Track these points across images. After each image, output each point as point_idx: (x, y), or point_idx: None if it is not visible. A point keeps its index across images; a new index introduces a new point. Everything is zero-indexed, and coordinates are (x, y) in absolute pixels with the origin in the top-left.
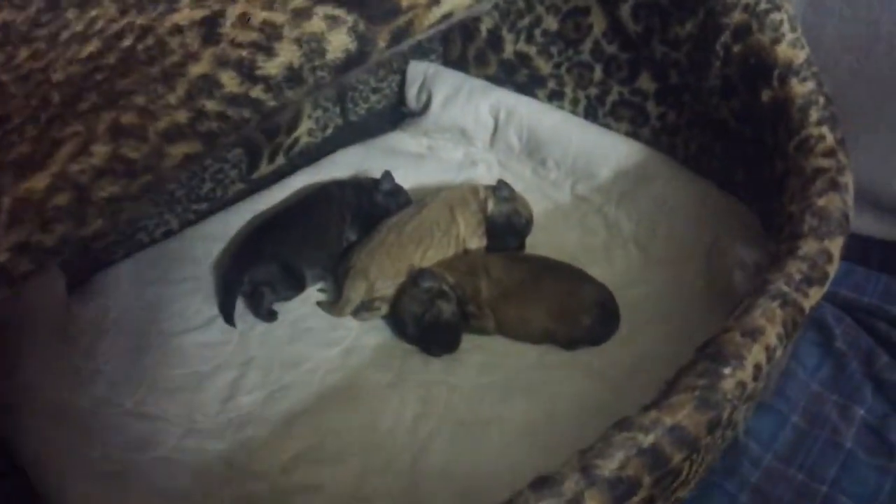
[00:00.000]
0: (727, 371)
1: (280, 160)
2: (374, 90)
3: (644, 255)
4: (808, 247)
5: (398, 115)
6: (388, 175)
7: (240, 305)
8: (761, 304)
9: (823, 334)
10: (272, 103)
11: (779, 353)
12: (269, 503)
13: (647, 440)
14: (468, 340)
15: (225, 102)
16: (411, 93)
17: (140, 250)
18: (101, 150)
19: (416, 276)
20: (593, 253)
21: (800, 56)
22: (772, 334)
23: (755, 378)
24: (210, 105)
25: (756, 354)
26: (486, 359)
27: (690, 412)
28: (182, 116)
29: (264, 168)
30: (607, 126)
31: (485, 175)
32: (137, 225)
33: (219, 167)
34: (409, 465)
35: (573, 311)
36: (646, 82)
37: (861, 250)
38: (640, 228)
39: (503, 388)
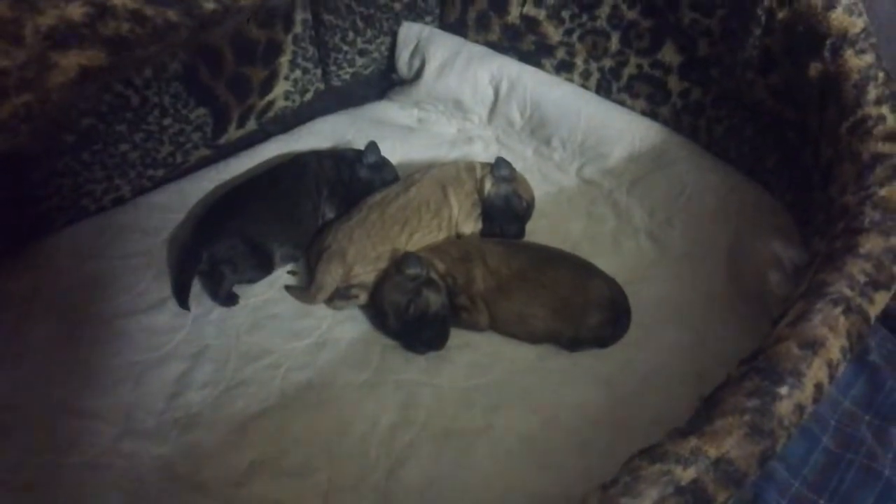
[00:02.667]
0: (783, 391)
1: (251, 125)
2: (361, 52)
3: (658, 249)
4: (872, 244)
5: (387, 82)
6: (373, 146)
7: (196, 286)
8: (821, 310)
9: None
10: (210, 5)
11: (841, 369)
12: None
13: (687, 475)
14: (456, 336)
15: None
16: (402, 57)
17: (84, 219)
18: None
19: (400, 262)
20: (600, 243)
21: (857, 24)
22: (835, 347)
23: (815, 401)
24: None
25: (817, 371)
26: (476, 358)
27: (739, 441)
28: (76, 12)
29: (232, 133)
30: (622, 103)
31: (481, 153)
32: (82, 189)
33: (179, 128)
34: (383, 480)
35: (579, 307)
36: (669, 54)
37: None
38: (654, 219)
39: (495, 394)
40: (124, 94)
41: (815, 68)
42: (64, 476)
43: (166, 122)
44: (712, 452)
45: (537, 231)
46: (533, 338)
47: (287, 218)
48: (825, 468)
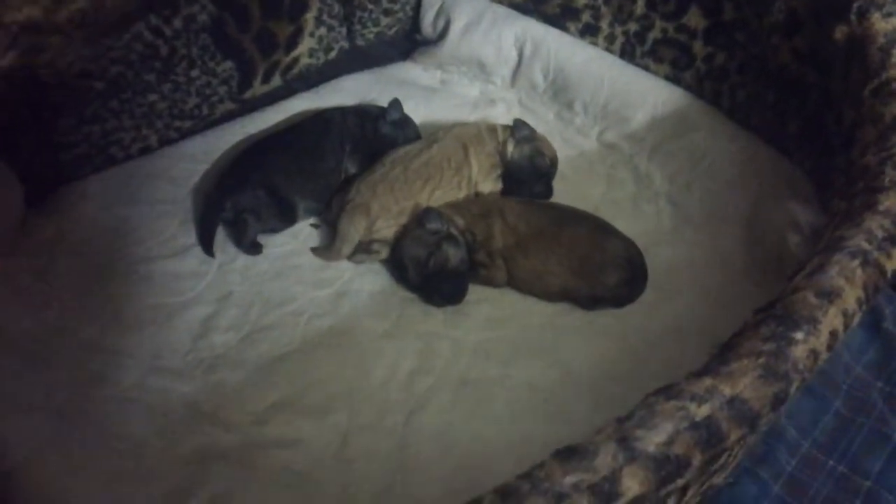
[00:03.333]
0: (798, 336)
1: (276, 81)
2: (386, 12)
3: (677, 213)
4: (891, 202)
5: (410, 43)
6: (396, 103)
7: (221, 235)
8: (838, 262)
9: (871, 313)
10: None
11: (857, 320)
12: (238, 457)
13: (701, 412)
14: (474, 292)
15: None
16: (427, 18)
17: (112, 166)
18: None
19: (421, 216)
20: (619, 207)
21: None
22: (851, 297)
23: (829, 347)
24: None
25: (832, 319)
26: (493, 313)
27: (753, 382)
28: None
29: (258, 88)
30: (645, 67)
31: (503, 115)
32: (111, 138)
33: (206, 81)
34: (401, 424)
35: (596, 266)
36: (694, 18)
37: None
38: (674, 184)
39: (511, 346)
40: (154, 43)
41: (840, 31)
42: (94, 406)
43: (194, 73)
44: (727, 391)
45: (557, 194)
46: (550, 295)
47: (310, 172)
48: (835, 431)
